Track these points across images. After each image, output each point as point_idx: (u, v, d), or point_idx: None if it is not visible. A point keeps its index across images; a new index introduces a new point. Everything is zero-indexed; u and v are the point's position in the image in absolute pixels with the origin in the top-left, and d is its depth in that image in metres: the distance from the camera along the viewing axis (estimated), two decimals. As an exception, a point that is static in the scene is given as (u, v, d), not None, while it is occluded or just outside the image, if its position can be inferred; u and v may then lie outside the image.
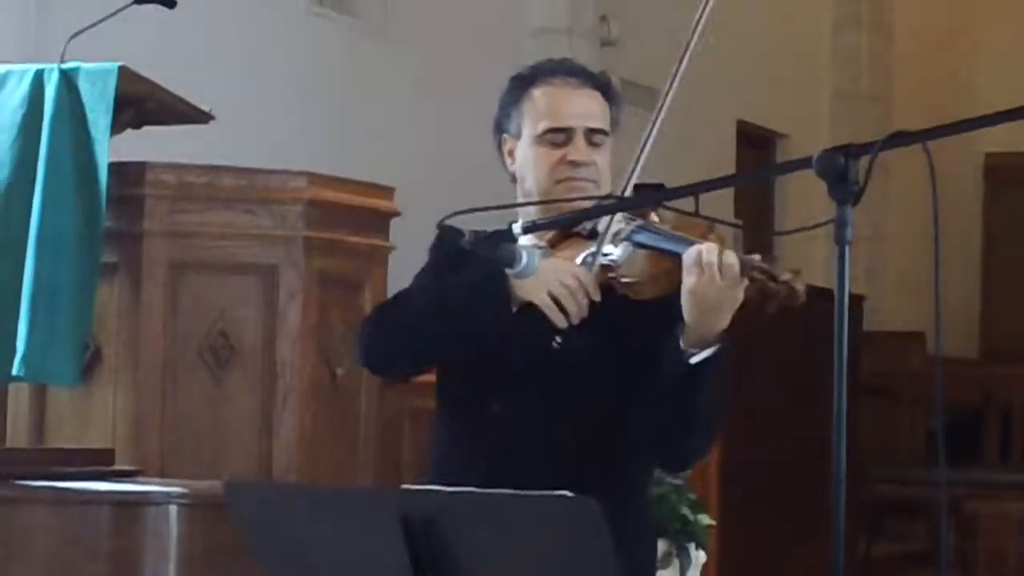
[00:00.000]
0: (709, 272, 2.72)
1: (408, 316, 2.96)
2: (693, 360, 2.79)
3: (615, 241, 2.91)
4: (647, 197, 2.86)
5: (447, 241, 3.05)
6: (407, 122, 7.63)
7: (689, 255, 2.75)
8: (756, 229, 10.82)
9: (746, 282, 2.73)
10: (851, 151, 2.32)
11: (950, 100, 11.57)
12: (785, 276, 2.72)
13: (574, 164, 3.03)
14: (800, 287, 2.73)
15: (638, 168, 3.03)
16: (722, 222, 2.85)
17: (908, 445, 10.47)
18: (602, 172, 3.06)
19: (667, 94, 3.03)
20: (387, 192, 5.02)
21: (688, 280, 2.74)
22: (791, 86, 11.19)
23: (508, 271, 2.91)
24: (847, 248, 2.32)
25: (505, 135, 3.13)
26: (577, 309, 2.85)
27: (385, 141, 7.41)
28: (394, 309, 3.03)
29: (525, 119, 3.09)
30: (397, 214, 5.01)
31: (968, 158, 12.46)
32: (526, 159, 3.08)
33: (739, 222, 7.44)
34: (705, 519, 5.67)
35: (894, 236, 11.52)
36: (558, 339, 2.87)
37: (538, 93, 3.09)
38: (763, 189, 11.00)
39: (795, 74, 11.28)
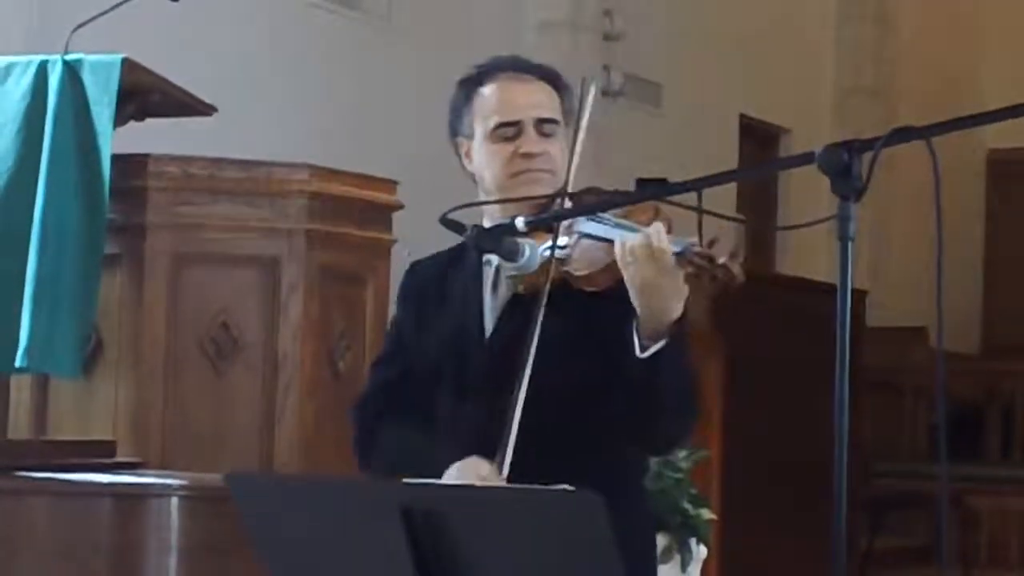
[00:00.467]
0: (635, 258, 2.75)
1: (373, 471, 3.10)
2: (645, 355, 2.80)
3: (568, 233, 2.93)
4: (649, 192, 2.86)
5: (414, 276, 3.16)
6: (410, 115, 7.62)
7: (617, 247, 2.78)
8: (759, 224, 10.82)
9: (690, 268, 2.75)
10: (854, 146, 2.32)
11: (954, 95, 11.57)
12: (722, 259, 2.74)
13: (528, 156, 3.05)
14: (737, 270, 2.74)
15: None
16: (724, 217, 2.85)
17: (910, 440, 10.48)
18: (556, 161, 3.08)
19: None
20: (390, 185, 5.02)
21: (624, 271, 2.77)
22: (794, 81, 11.19)
23: (510, 265, 2.92)
24: (850, 243, 2.32)
25: (460, 138, 3.17)
26: None
27: (388, 134, 7.41)
28: (367, 444, 3.12)
29: (476, 118, 3.12)
30: (400, 207, 5.01)
31: (972, 153, 12.46)
32: (481, 157, 3.11)
33: (742, 217, 7.43)
34: (706, 514, 5.68)
35: (897, 231, 11.52)
36: None
37: (486, 91, 3.12)
38: (766, 184, 11.00)
39: (798, 69, 11.28)
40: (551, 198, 3.03)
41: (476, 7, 8.21)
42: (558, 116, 3.12)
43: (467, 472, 2.88)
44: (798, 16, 11.32)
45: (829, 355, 2.31)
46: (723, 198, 8.63)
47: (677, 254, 2.74)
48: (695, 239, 2.76)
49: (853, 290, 2.35)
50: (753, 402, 7.14)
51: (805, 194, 10.37)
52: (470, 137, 3.13)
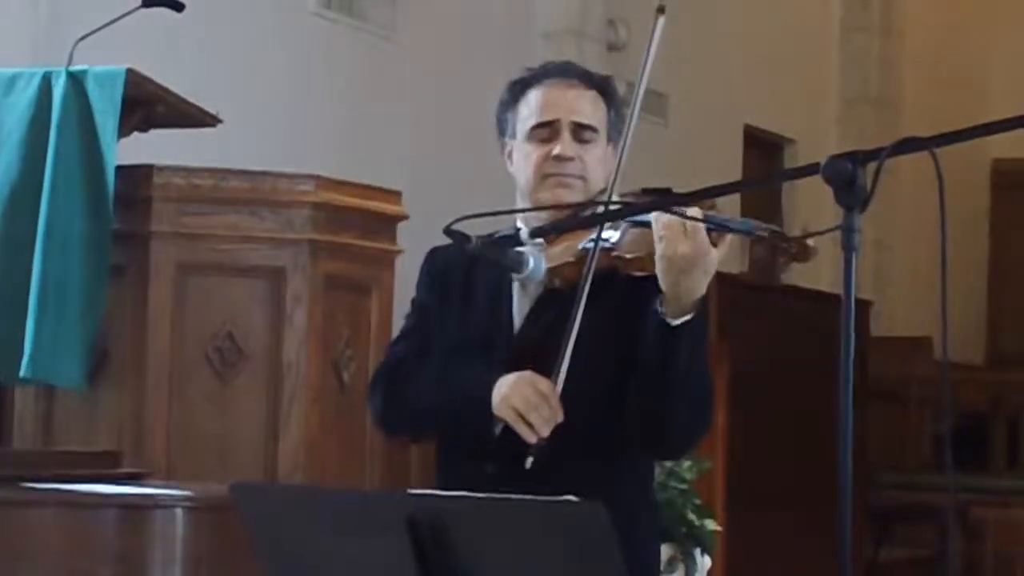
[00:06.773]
0: (669, 232, 2.74)
1: (412, 410, 3.09)
2: (673, 323, 2.79)
3: (614, 227, 2.92)
4: (653, 202, 2.86)
5: (435, 261, 3.14)
6: (415, 125, 7.63)
7: (654, 221, 2.78)
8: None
9: (723, 248, 2.77)
10: (859, 157, 2.31)
11: (959, 105, 11.56)
12: (793, 234, 2.79)
13: (559, 159, 3.04)
14: (811, 242, 2.79)
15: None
16: (730, 229, 2.85)
17: (915, 450, 10.46)
18: (590, 168, 3.07)
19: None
20: (394, 195, 5.02)
21: (657, 245, 2.77)
22: (799, 91, 11.18)
23: (515, 276, 2.92)
24: (854, 254, 2.32)
25: (505, 138, 3.17)
26: (541, 423, 2.86)
27: (393, 144, 7.41)
28: (399, 386, 3.10)
29: (519, 119, 3.12)
30: (404, 217, 5.02)
31: (976, 163, 12.46)
32: (518, 158, 3.11)
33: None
34: (711, 524, 5.67)
35: (901, 241, 11.52)
36: (530, 459, 2.88)
37: (532, 93, 3.12)
38: (770, 194, 10.98)
39: (803, 79, 11.28)
40: (571, 207, 3.02)
41: (481, 17, 8.21)
42: (598, 125, 3.10)
43: (523, 383, 2.88)
44: (803, 26, 11.32)
45: (833, 365, 2.31)
46: (727, 208, 8.61)
47: (744, 231, 2.78)
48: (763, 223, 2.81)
49: (857, 300, 2.35)
50: (757, 412, 7.14)
51: (809, 205, 10.37)
52: (513, 137, 3.13)
